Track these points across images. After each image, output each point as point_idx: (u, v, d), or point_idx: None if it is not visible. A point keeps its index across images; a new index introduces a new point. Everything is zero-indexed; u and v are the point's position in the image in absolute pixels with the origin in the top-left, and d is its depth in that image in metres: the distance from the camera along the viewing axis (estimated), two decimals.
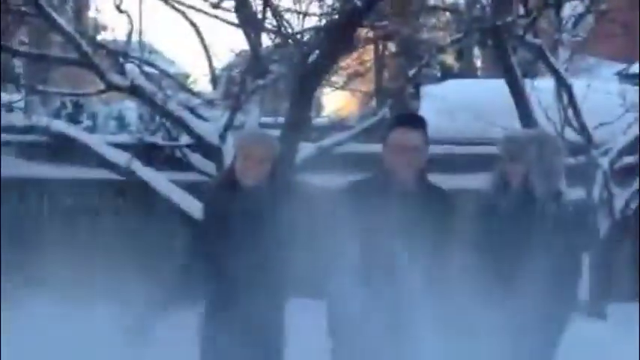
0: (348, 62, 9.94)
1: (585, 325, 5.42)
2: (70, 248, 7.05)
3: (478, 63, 18.59)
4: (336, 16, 6.14)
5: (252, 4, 6.68)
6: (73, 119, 8.96)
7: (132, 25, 6.94)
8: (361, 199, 3.43)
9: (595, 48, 10.30)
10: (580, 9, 7.20)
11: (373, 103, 11.94)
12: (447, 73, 15.78)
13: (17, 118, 6.47)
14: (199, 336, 3.81)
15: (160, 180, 6.49)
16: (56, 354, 5.09)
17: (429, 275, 3.41)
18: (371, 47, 14.04)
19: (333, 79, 8.92)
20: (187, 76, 13.26)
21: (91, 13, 10.53)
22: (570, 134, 6.43)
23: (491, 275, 3.41)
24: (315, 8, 7.12)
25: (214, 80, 7.55)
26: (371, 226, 3.36)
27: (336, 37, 5.55)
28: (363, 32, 7.79)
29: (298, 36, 6.85)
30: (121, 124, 10.02)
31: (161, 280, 6.88)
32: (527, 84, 6.62)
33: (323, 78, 6.28)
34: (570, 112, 6.55)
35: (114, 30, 7.46)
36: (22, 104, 7.36)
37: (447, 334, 3.52)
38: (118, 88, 6.34)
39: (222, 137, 6.36)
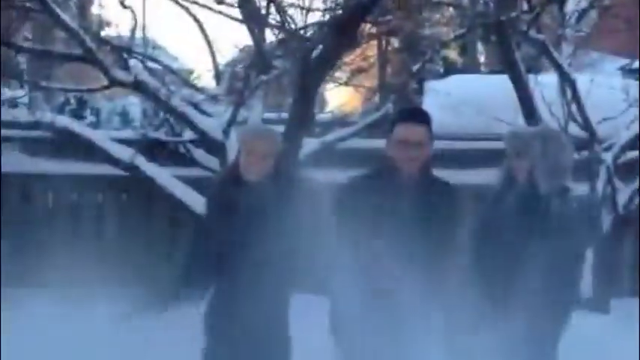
0: (352, 58, 9.91)
1: (588, 319, 5.44)
2: (74, 244, 7.08)
3: (481, 58, 18.57)
4: (340, 12, 6.13)
5: None
6: (77, 115, 8.98)
7: (135, 21, 6.96)
8: (365, 193, 3.44)
9: (598, 43, 10.29)
10: (583, 4, 7.19)
11: (376, 98, 11.93)
12: (450, 69, 15.76)
13: (22, 114, 6.48)
14: (204, 331, 3.82)
15: (164, 175, 6.50)
16: (59, 347, 5.11)
17: (434, 270, 3.43)
18: (374, 43, 14.02)
19: (337, 74, 8.91)
20: (191, 72, 13.27)
21: (95, 9, 10.58)
22: (574, 129, 6.43)
23: (494, 271, 3.42)
24: (318, 3, 7.14)
25: (218, 76, 7.56)
26: (376, 221, 3.37)
27: (340, 33, 5.54)
28: (367, 28, 7.78)
29: (302, 31, 6.85)
30: (125, 119, 10.04)
31: (163, 276, 6.97)
32: (531, 79, 6.62)
33: (326, 74, 6.28)
34: (574, 107, 6.54)
35: (117, 26, 7.48)
36: (26, 100, 7.38)
37: (452, 329, 3.54)
38: (121, 84, 6.35)
39: (226, 133, 6.37)
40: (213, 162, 6.61)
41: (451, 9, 8.35)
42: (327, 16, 6.70)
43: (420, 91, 9.80)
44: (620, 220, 6.51)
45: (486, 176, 6.37)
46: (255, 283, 3.56)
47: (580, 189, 3.71)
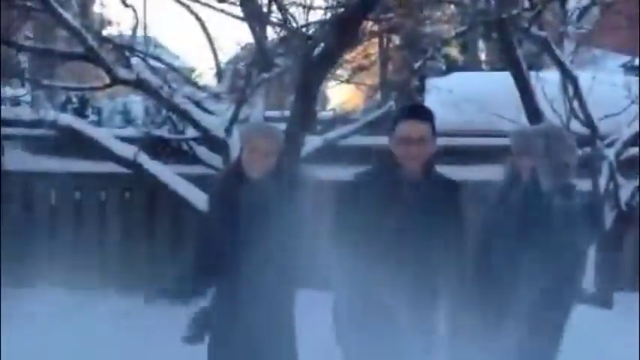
0: (353, 55, 9.92)
1: (591, 314, 5.45)
2: (77, 242, 7.10)
3: (482, 56, 18.55)
4: (341, 10, 6.14)
5: None
6: (79, 114, 8.99)
7: (137, 19, 6.97)
8: (369, 190, 3.46)
9: (600, 40, 10.27)
10: (585, 1, 7.18)
11: (378, 96, 11.93)
12: (451, 66, 15.75)
13: (24, 112, 6.48)
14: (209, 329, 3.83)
15: (167, 173, 6.51)
16: (60, 346, 5.11)
17: (437, 267, 3.44)
18: (376, 40, 14.03)
19: (338, 72, 8.91)
20: (192, 70, 13.27)
21: (96, 8, 10.58)
22: (576, 126, 6.43)
23: (498, 268, 3.43)
24: (320, 1, 7.16)
25: (219, 74, 7.56)
26: (379, 218, 3.38)
27: (341, 31, 5.54)
28: (368, 25, 7.78)
29: (303, 29, 6.85)
30: (126, 118, 10.04)
31: (167, 273, 6.96)
32: (533, 76, 6.63)
33: (328, 71, 6.28)
34: (576, 103, 6.55)
35: (119, 24, 7.48)
36: (28, 98, 7.38)
37: (455, 327, 3.55)
38: (124, 82, 6.36)
39: (228, 130, 6.37)
40: (215, 159, 6.62)
41: (452, 6, 8.35)
42: (329, 14, 6.71)
43: (421, 89, 9.81)
44: (622, 215, 6.52)
45: (488, 172, 6.37)
46: (258, 280, 3.56)
47: (582, 185, 3.71)
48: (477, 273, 3.55)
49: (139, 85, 6.34)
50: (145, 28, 7.97)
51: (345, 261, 3.46)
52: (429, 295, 3.50)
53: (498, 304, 3.40)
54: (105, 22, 10.27)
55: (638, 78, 7.39)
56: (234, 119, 6.40)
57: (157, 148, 6.87)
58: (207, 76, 8.62)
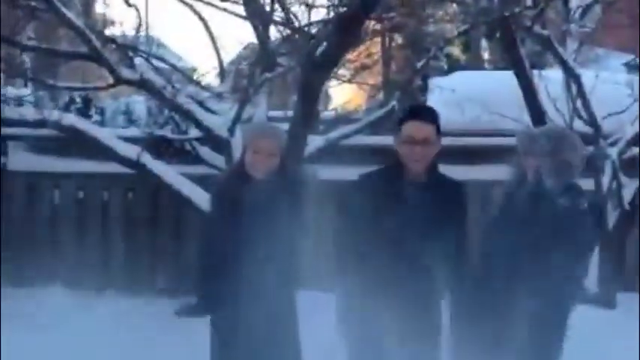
0: (356, 55, 9.91)
1: (594, 314, 5.45)
2: (80, 241, 7.10)
3: (485, 55, 18.54)
4: (344, 9, 6.13)
5: None
6: (83, 114, 8.99)
7: (140, 19, 6.98)
8: (374, 191, 3.47)
9: (603, 39, 10.28)
10: None
11: (380, 95, 11.92)
12: (454, 66, 15.75)
13: (28, 112, 6.50)
14: (211, 329, 3.83)
15: (170, 173, 6.52)
16: (60, 346, 5.12)
17: (442, 266, 3.45)
18: (378, 40, 14.04)
19: (341, 71, 8.90)
20: (194, 70, 13.27)
21: (99, 8, 10.59)
22: (579, 125, 6.43)
23: (502, 268, 3.43)
24: (322, 1, 7.12)
25: (222, 73, 7.56)
26: (384, 218, 3.39)
27: (344, 30, 5.54)
28: (371, 25, 7.78)
29: (306, 29, 6.85)
30: (129, 118, 10.04)
31: (170, 272, 6.98)
32: (535, 75, 6.62)
33: (331, 71, 6.28)
34: (579, 102, 6.55)
35: (122, 24, 7.48)
36: (31, 98, 7.39)
37: (458, 325, 3.55)
38: (127, 82, 6.36)
39: (231, 130, 6.38)
40: (218, 159, 6.63)
41: (455, 5, 8.34)
42: (332, 14, 6.70)
43: (424, 88, 9.80)
44: (625, 215, 6.51)
45: (491, 172, 6.38)
46: (261, 280, 3.57)
47: (585, 184, 3.71)
48: (481, 274, 3.55)
49: (143, 85, 6.34)
50: (147, 28, 7.98)
51: (349, 261, 3.47)
52: (432, 294, 3.50)
53: (501, 306, 3.40)
54: (108, 22, 10.27)
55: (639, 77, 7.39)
56: (237, 119, 6.40)
57: (160, 148, 6.87)
58: (209, 76, 8.61)
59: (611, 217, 6.44)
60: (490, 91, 7.55)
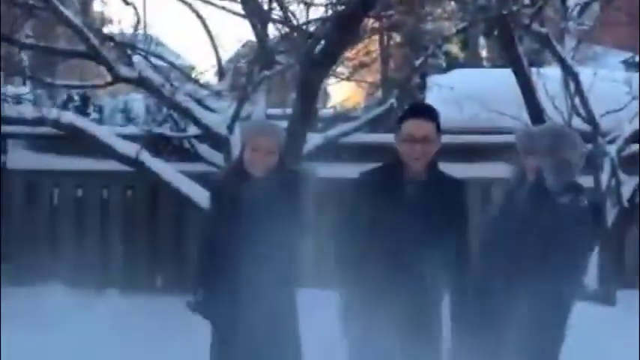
0: (354, 53, 9.91)
1: (594, 311, 5.46)
2: (79, 240, 7.10)
3: (483, 53, 18.53)
4: (342, 7, 6.14)
5: None
6: (81, 112, 8.98)
7: (138, 17, 6.98)
8: (374, 188, 3.47)
9: (601, 37, 10.29)
10: None
11: (379, 93, 11.94)
12: (452, 63, 15.74)
13: (27, 110, 6.50)
14: (211, 327, 3.83)
15: (169, 171, 6.52)
16: (60, 345, 5.12)
17: (445, 265, 3.46)
18: (376, 38, 14.00)
19: (339, 69, 8.91)
20: (193, 68, 13.26)
21: (97, 6, 10.58)
22: (577, 122, 6.44)
23: (501, 267, 3.43)
24: None
25: (221, 72, 7.56)
26: (385, 216, 3.39)
27: (342, 28, 5.55)
28: (369, 22, 7.78)
29: (304, 27, 6.86)
30: (128, 116, 10.03)
31: (170, 270, 6.98)
32: (534, 73, 6.63)
33: (330, 69, 6.29)
34: (577, 100, 6.55)
35: (120, 22, 7.48)
36: (30, 97, 7.39)
37: (458, 323, 3.56)
38: (126, 80, 6.37)
39: (230, 128, 6.38)
40: (217, 157, 6.63)
41: (453, 3, 8.34)
42: (330, 11, 6.70)
43: (422, 86, 9.80)
44: (624, 212, 6.52)
45: (490, 169, 6.39)
46: (260, 278, 3.57)
47: (584, 182, 3.71)
48: (482, 273, 3.55)
49: (141, 83, 6.35)
50: (145, 26, 7.98)
51: (349, 259, 3.48)
52: (432, 292, 3.51)
53: (502, 305, 3.40)
54: (106, 20, 10.25)
55: (638, 74, 7.40)
56: (235, 117, 6.41)
57: (159, 145, 6.88)
58: (208, 74, 8.61)
59: (610, 215, 6.44)
60: (488, 88, 7.56)
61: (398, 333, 3.39)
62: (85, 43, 6.12)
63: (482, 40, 17.67)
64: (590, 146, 6.36)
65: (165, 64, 7.53)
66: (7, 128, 6.71)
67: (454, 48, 17.42)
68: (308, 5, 6.96)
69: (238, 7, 6.86)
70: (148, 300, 6.59)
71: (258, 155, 3.67)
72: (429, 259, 3.42)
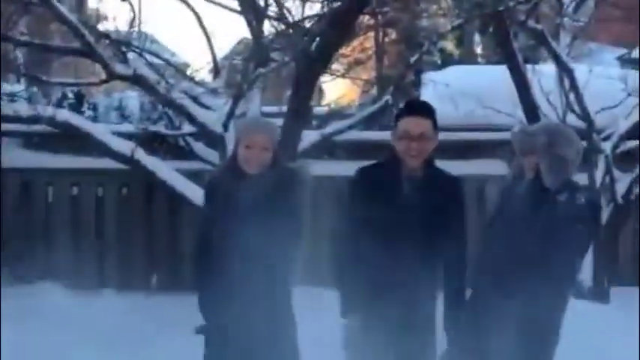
0: (349, 50, 9.92)
1: (588, 308, 5.46)
2: (74, 238, 7.09)
3: (479, 49, 18.55)
4: (338, 4, 6.13)
5: None
6: (75, 110, 8.95)
7: (133, 14, 6.96)
8: (371, 185, 3.48)
9: (596, 33, 10.30)
10: None
11: (374, 90, 11.92)
12: (447, 60, 15.75)
13: (22, 108, 6.48)
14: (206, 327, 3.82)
15: (164, 169, 6.51)
16: (59, 344, 5.11)
17: (439, 261, 3.46)
18: (372, 35, 14.03)
19: (334, 66, 8.90)
20: (188, 65, 13.24)
21: (92, 3, 10.56)
22: (572, 119, 6.45)
23: (498, 264, 3.44)
24: None
25: (216, 69, 7.55)
26: (380, 213, 3.39)
27: (338, 25, 5.55)
28: (364, 19, 7.79)
29: (300, 24, 6.85)
30: (122, 114, 10.01)
31: (165, 268, 6.97)
32: (529, 69, 6.64)
33: (325, 66, 6.28)
34: (572, 97, 6.56)
35: (115, 19, 7.45)
36: (25, 94, 7.37)
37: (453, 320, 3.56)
38: (121, 78, 6.36)
39: (225, 125, 6.37)
40: (212, 155, 6.63)
41: (448, 0, 8.35)
42: (325, 8, 6.70)
43: (417, 83, 9.81)
44: (619, 209, 6.53)
45: (485, 166, 6.39)
46: (254, 276, 3.56)
47: (579, 179, 3.71)
48: (479, 270, 3.55)
49: (137, 80, 6.33)
50: (140, 23, 7.95)
51: (347, 256, 3.48)
52: (428, 289, 3.51)
53: (498, 303, 3.40)
54: (101, 17, 10.22)
55: (634, 71, 7.41)
56: (231, 114, 6.40)
57: (154, 143, 6.87)
58: (203, 72, 8.60)
59: (605, 212, 6.45)
60: (484, 85, 7.57)
61: (393, 329, 3.39)
62: (80, 41, 6.10)
63: (477, 37, 17.68)
64: (584, 143, 6.37)
65: (160, 62, 7.51)
66: (2, 126, 6.69)
67: (449, 45, 17.42)
68: (303, 2, 6.95)
69: (234, 4, 6.86)
70: (144, 298, 6.59)
71: (253, 152, 3.66)
72: (426, 256, 3.42)
